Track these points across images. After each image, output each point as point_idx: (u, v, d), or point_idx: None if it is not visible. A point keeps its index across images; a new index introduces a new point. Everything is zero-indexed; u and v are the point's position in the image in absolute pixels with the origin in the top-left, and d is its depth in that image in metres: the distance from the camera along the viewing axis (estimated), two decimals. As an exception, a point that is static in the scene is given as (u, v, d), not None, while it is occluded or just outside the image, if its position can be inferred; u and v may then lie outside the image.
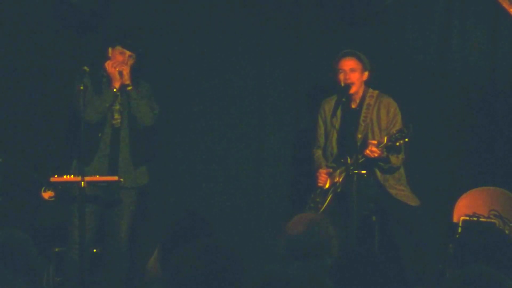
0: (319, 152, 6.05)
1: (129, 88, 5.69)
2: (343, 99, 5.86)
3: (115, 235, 5.72)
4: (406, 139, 5.46)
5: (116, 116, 5.72)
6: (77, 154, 5.58)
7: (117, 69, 5.66)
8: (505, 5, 5.73)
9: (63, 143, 6.19)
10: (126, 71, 5.67)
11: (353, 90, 5.82)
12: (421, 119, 6.15)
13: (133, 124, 5.74)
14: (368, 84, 5.90)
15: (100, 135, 5.67)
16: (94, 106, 5.63)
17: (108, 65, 5.67)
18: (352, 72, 5.80)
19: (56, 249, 5.91)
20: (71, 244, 5.58)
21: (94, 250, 5.80)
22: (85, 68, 5.46)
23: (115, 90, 5.68)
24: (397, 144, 5.51)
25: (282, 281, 2.18)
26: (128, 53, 5.73)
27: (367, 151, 5.58)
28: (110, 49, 5.75)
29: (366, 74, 5.87)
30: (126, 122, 5.74)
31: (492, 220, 5.75)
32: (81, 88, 5.30)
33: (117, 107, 5.72)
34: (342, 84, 5.80)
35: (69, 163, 5.71)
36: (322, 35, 6.51)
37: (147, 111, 5.75)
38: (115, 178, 5.46)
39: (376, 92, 5.91)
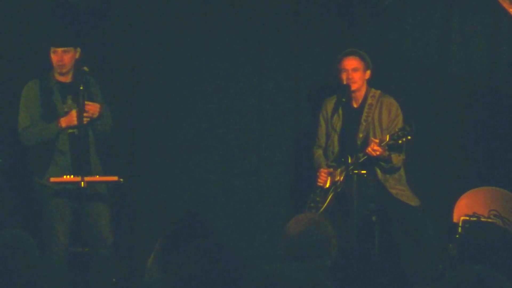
0: (319, 151, 6.05)
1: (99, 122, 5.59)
2: (343, 99, 5.87)
3: (101, 234, 5.59)
4: (409, 137, 5.46)
5: None
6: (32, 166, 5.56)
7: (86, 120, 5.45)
8: (505, 5, 5.73)
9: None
10: (97, 113, 5.50)
11: (355, 87, 5.83)
12: (421, 119, 6.14)
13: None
14: (369, 83, 5.91)
15: (56, 144, 5.53)
16: (35, 137, 5.52)
17: (72, 116, 5.46)
18: (355, 71, 5.81)
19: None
20: (54, 244, 5.46)
21: (86, 249, 5.69)
22: (85, 68, 5.44)
23: (59, 128, 5.48)
24: (400, 142, 5.51)
25: (281, 281, 2.18)
26: (59, 49, 5.56)
27: (369, 149, 5.58)
28: (51, 54, 5.59)
29: (368, 72, 5.87)
30: (89, 129, 5.60)
31: (492, 220, 5.75)
32: (81, 88, 5.29)
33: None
34: (344, 82, 5.81)
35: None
36: (322, 35, 6.50)
37: (108, 125, 5.67)
38: (115, 178, 5.45)
39: (378, 92, 5.91)
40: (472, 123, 6.51)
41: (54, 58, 5.60)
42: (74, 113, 5.50)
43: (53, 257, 5.46)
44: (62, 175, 5.45)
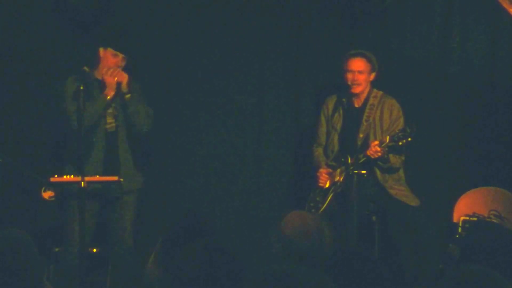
0: (319, 150, 6.05)
1: (127, 96, 5.57)
2: (343, 99, 5.89)
3: (118, 237, 5.66)
4: (409, 139, 5.46)
5: (110, 120, 5.62)
6: (70, 158, 5.53)
7: (116, 79, 5.52)
8: (505, 5, 5.73)
9: (62, 143, 6.19)
10: (125, 81, 5.53)
11: (358, 90, 5.84)
12: (420, 119, 6.15)
13: (130, 127, 5.65)
14: (373, 84, 5.91)
15: (94, 139, 5.56)
16: (86, 113, 5.44)
17: (107, 73, 5.53)
18: (361, 74, 5.81)
19: (56, 249, 5.90)
20: (69, 245, 5.54)
21: (94, 250, 5.76)
22: (85, 68, 5.44)
23: (108, 97, 5.54)
24: (400, 143, 5.50)
25: (284, 281, 2.17)
26: (121, 55, 5.63)
27: (370, 151, 5.57)
28: (101, 50, 5.64)
29: (373, 75, 5.87)
30: (122, 127, 5.64)
31: (492, 220, 5.75)
32: (81, 88, 5.28)
33: (111, 110, 5.61)
34: (349, 83, 5.82)
35: (63, 167, 5.64)
36: (323, 34, 6.51)
37: (145, 117, 5.64)
38: (115, 178, 5.46)
39: (381, 93, 5.91)
40: (472, 123, 6.50)
41: (114, 60, 5.63)
42: (112, 79, 5.53)
43: (67, 256, 5.50)
44: (94, 174, 5.47)
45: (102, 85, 5.62)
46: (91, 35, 6.14)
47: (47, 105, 6.21)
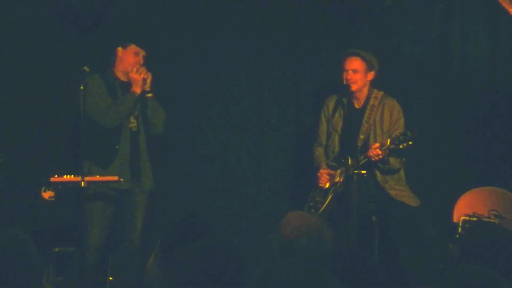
0: (319, 150, 6.04)
1: (149, 95, 5.64)
2: (344, 99, 5.89)
3: (127, 236, 5.67)
4: (410, 142, 5.45)
5: (132, 120, 5.67)
6: (92, 156, 5.52)
7: (142, 75, 5.57)
8: (505, 5, 5.73)
9: (63, 143, 6.19)
10: (150, 78, 5.60)
11: (354, 88, 5.83)
12: (420, 119, 6.15)
13: (148, 128, 5.72)
14: (373, 84, 5.90)
15: (121, 138, 5.60)
16: (118, 112, 5.55)
17: (132, 70, 5.57)
18: (355, 73, 5.81)
19: (56, 249, 5.89)
20: (90, 245, 5.51)
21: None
22: (85, 68, 5.43)
23: (136, 95, 5.59)
24: (401, 146, 5.49)
25: (287, 279, 2.16)
26: (143, 52, 5.66)
27: (370, 154, 5.57)
28: (120, 49, 5.69)
29: (371, 74, 5.86)
30: (142, 127, 5.70)
31: (492, 220, 5.75)
32: (81, 88, 5.28)
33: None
34: (344, 82, 5.83)
35: (76, 164, 5.65)
36: (322, 34, 6.51)
37: (163, 119, 5.73)
38: (115, 178, 5.45)
39: (381, 93, 5.90)
40: (472, 123, 6.51)
41: (136, 58, 5.65)
42: (139, 77, 5.58)
43: (86, 256, 5.49)
44: (120, 173, 5.50)
45: (122, 84, 5.67)
46: (102, 34, 6.13)
47: (47, 104, 6.21)
